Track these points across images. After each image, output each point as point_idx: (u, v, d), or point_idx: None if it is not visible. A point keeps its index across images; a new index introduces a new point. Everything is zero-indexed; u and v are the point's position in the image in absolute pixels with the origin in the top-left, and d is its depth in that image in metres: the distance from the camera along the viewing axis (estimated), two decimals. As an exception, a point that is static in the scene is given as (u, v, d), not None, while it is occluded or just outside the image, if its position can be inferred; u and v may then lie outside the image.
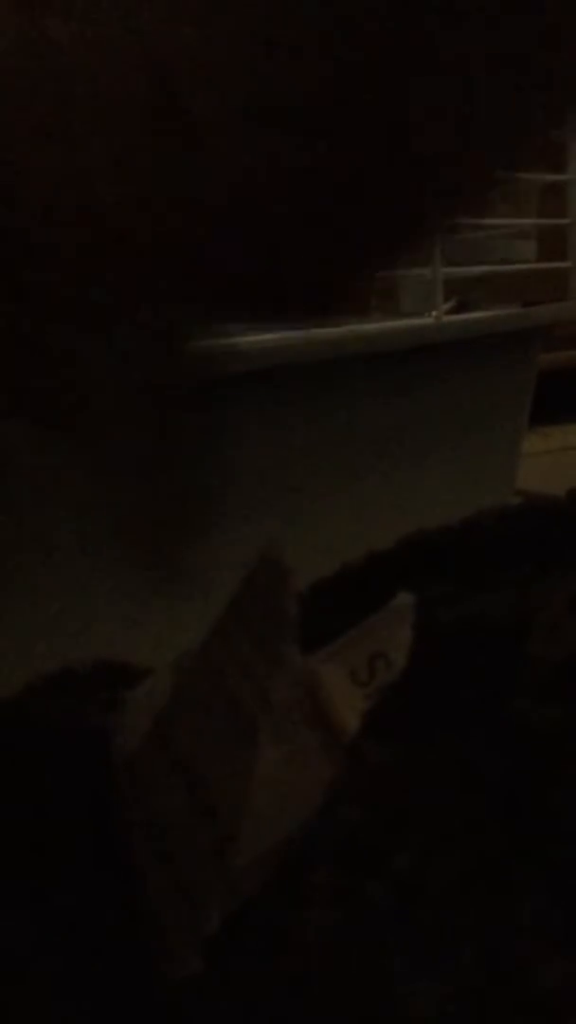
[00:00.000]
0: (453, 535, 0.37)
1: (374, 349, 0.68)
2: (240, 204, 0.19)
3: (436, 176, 0.21)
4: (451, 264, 0.74)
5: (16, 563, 0.54)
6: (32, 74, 0.18)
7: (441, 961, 0.18)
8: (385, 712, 0.23)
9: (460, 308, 0.78)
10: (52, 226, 0.19)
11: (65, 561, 0.56)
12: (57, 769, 0.26)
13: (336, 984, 0.19)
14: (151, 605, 0.58)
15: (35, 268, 0.19)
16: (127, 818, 0.25)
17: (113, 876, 0.23)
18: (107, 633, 0.56)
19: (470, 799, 0.21)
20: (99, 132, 0.18)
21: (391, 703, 0.23)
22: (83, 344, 0.21)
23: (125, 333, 0.21)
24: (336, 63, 0.18)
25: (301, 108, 0.19)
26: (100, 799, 0.25)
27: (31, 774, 0.26)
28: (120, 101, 0.18)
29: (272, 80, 0.18)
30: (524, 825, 0.20)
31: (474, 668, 0.23)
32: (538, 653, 0.23)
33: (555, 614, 0.25)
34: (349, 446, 0.70)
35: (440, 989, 0.18)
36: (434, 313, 0.71)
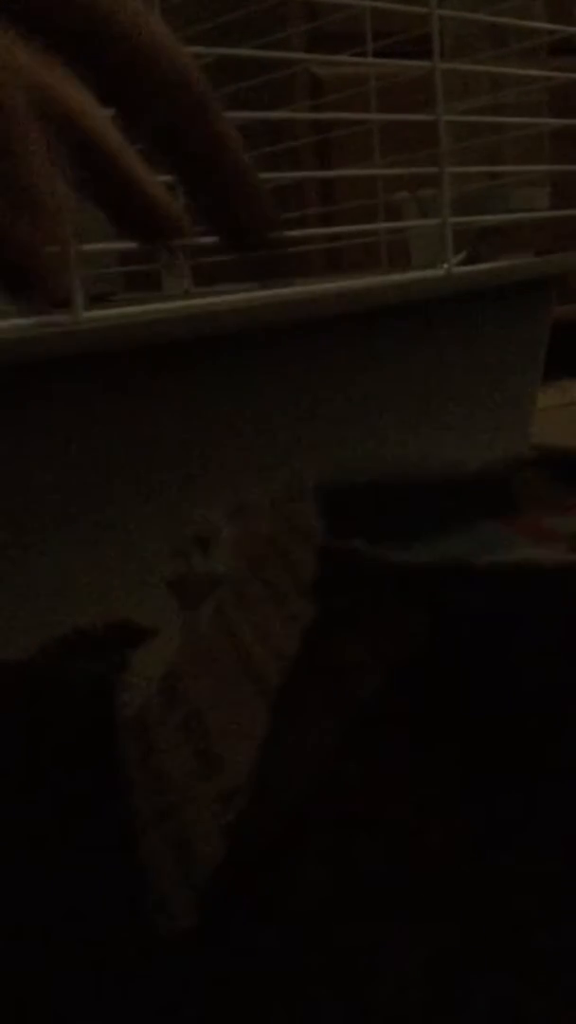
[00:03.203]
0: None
1: (384, 302, 0.68)
2: None
3: None
4: (461, 214, 0.72)
5: (29, 526, 0.54)
6: None
7: (437, 921, 0.18)
8: (390, 670, 0.23)
9: (471, 259, 0.77)
10: None
11: (79, 524, 0.56)
12: (66, 728, 0.26)
13: (329, 943, 0.19)
14: (163, 567, 0.58)
15: None
16: (129, 776, 0.25)
17: (112, 833, 0.24)
18: (120, 596, 0.56)
19: (474, 759, 0.21)
20: None
21: (396, 661, 0.23)
22: None
23: None
24: None
25: None
26: (104, 758, 0.25)
27: (42, 733, 0.26)
28: None
29: None
30: (530, 783, 0.20)
31: (479, 623, 0.23)
32: (544, 609, 0.22)
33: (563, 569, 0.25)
34: (360, 402, 0.69)
35: (435, 949, 0.18)
36: (445, 265, 0.70)
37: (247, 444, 0.62)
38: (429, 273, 0.71)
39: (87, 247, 0.53)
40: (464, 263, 0.75)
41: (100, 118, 0.24)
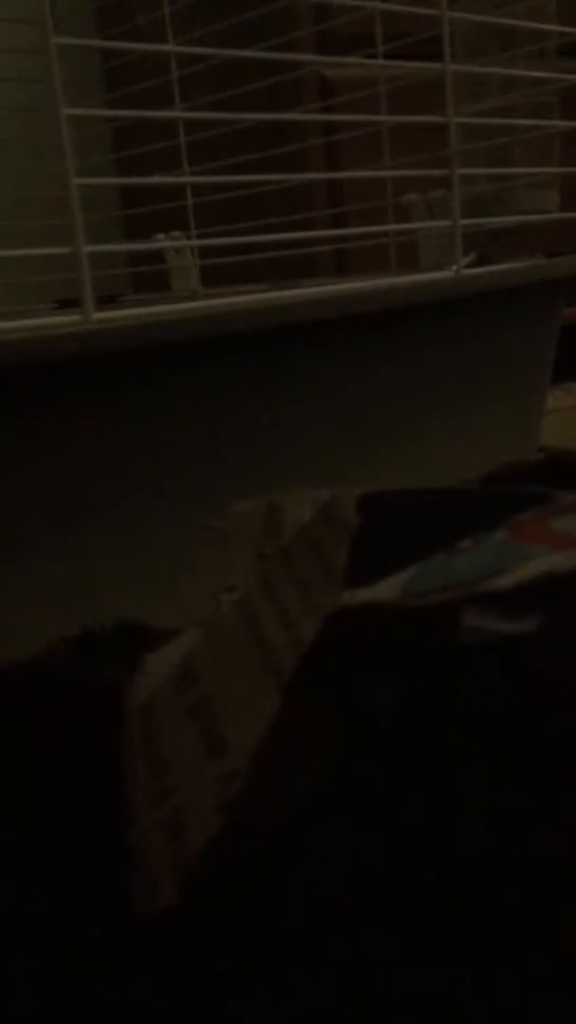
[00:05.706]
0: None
1: (393, 304, 0.68)
2: None
3: None
4: (471, 216, 0.72)
5: (38, 524, 0.54)
6: None
7: (449, 919, 0.18)
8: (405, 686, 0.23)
9: (481, 261, 0.76)
10: None
11: (88, 523, 0.56)
12: (70, 725, 0.27)
13: (340, 942, 0.19)
14: (173, 568, 0.58)
15: None
16: (131, 760, 0.25)
17: (107, 817, 0.24)
18: (129, 596, 0.56)
19: (483, 752, 0.21)
20: None
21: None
22: None
23: None
24: None
25: None
26: (108, 750, 0.25)
27: (48, 730, 0.26)
28: None
29: None
30: (539, 779, 0.20)
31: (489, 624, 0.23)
32: (553, 609, 0.22)
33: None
34: (369, 404, 0.69)
35: (448, 949, 0.18)
36: (454, 267, 0.70)
37: (256, 445, 0.62)
38: (438, 275, 0.71)
39: (95, 247, 0.53)
40: (473, 265, 0.75)
41: None
